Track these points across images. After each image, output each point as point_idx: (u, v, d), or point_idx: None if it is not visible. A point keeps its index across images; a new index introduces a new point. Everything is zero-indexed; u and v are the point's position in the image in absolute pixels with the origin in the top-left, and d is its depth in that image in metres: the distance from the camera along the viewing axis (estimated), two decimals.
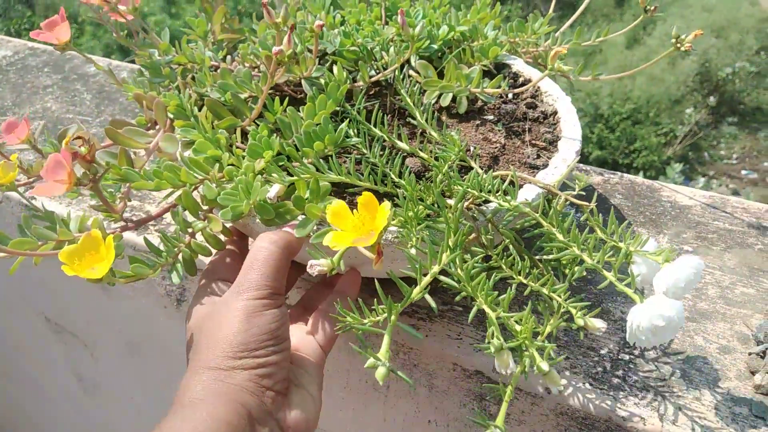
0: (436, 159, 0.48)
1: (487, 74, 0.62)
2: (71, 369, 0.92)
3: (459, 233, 0.40)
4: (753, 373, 0.47)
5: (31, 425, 1.25)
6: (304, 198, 0.43)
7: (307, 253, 0.42)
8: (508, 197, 0.45)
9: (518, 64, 0.64)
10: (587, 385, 0.47)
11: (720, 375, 0.48)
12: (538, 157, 0.54)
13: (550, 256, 0.46)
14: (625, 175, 0.70)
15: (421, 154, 0.49)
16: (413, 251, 0.41)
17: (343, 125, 0.47)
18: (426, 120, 0.52)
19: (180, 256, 0.46)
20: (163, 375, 0.78)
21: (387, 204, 0.39)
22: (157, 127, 0.51)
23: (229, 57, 0.59)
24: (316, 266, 0.40)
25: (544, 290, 0.43)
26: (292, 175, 0.45)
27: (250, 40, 0.61)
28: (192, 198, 0.45)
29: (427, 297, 0.40)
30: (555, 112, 0.59)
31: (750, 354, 0.48)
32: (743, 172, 5.18)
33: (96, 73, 0.94)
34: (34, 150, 0.55)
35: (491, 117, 0.57)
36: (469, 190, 0.44)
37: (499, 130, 0.56)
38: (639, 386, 0.47)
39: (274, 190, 0.44)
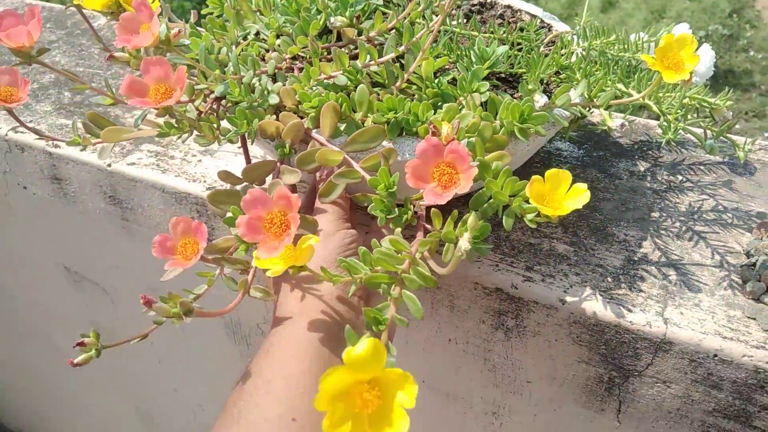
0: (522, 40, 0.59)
1: None
2: (89, 319, 0.95)
3: None
4: (745, 282, 0.53)
5: (40, 382, 1.28)
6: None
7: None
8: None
9: None
10: (597, 296, 0.52)
11: (716, 284, 0.53)
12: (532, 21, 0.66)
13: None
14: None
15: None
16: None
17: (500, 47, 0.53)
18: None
19: None
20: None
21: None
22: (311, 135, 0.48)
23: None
24: None
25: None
26: None
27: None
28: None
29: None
30: None
31: (742, 266, 0.54)
32: None
33: (100, 27, 0.94)
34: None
35: (463, 20, 0.66)
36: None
37: (486, 19, 0.67)
38: (644, 296, 0.52)
39: (542, 100, 0.48)
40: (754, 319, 0.50)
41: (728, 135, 0.59)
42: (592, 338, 0.53)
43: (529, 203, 0.42)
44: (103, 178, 0.70)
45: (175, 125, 0.47)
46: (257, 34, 0.59)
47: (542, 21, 0.66)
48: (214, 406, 0.99)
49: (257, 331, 0.76)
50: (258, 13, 0.60)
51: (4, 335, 1.20)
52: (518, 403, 0.62)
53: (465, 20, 0.66)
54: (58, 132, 0.74)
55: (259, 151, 0.66)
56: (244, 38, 0.60)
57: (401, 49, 0.49)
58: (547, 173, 0.42)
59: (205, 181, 0.66)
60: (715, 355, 0.48)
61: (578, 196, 0.41)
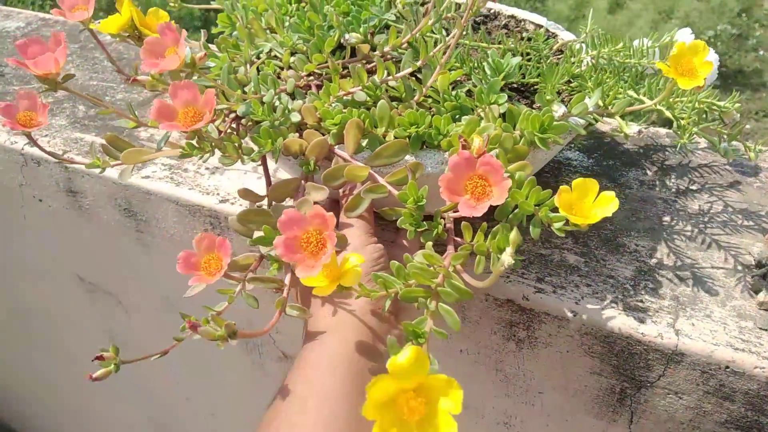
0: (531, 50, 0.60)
1: None
2: (103, 329, 0.96)
3: None
4: (756, 292, 0.53)
5: (53, 390, 1.30)
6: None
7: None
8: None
9: None
10: (608, 308, 0.52)
11: (727, 295, 0.53)
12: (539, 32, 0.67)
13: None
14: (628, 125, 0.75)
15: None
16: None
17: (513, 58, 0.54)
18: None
19: None
20: None
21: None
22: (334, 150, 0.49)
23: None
24: None
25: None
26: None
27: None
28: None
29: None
30: (490, 9, 0.72)
31: (753, 276, 0.54)
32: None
33: (112, 41, 0.96)
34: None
35: (470, 31, 0.66)
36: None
37: (491, 30, 0.68)
38: (655, 307, 0.52)
39: (561, 110, 0.49)
40: (766, 330, 0.50)
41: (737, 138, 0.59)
42: (603, 349, 0.53)
43: (556, 212, 0.42)
44: (117, 191, 0.71)
45: (197, 146, 0.48)
46: (269, 52, 0.60)
47: (547, 30, 0.67)
48: (226, 415, 1.00)
49: (269, 341, 0.77)
50: (268, 31, 0.60)
51: (20, 345, 1.22)
52: (530, 413, 0.62)
53: (472, 31, 0.66)
54: (73, 146, 0.75)
55: (272, 165, 0.67)
56: (257, 57, 0.61)
57: (418, 63, 0.49)
58: (574, 182, 0.42)
59: (218, 194, 0.67)
60: (727, 367, 0.49)
61: (607, 204, 0.42)
